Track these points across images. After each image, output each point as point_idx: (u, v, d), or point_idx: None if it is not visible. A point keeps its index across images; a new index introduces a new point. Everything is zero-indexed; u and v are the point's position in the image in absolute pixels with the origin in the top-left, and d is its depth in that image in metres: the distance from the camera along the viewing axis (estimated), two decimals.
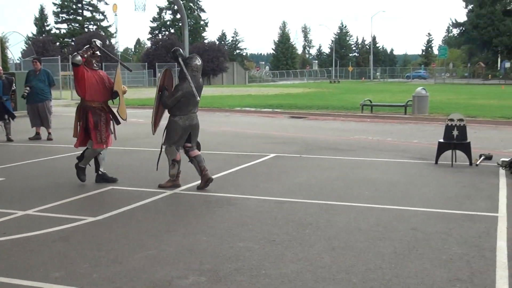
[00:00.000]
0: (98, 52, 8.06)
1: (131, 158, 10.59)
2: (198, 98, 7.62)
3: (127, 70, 9.38)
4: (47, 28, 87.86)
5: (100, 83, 7.97)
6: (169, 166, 7.77)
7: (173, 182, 7.75)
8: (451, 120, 9.73)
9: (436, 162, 9.66)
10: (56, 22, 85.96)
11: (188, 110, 7.61)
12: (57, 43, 77.22)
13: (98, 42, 8.22)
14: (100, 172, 8.23)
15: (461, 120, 9.67)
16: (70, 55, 7.98)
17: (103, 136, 7.98)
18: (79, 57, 7.72)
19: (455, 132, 9.58)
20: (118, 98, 8.23)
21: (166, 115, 7.94)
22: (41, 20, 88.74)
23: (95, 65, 8.01)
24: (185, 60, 7.57)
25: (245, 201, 6.99)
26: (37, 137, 13.69)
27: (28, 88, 13.49)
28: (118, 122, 8.35)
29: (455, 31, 69.94)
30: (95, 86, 7.88)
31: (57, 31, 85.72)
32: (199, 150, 7.90)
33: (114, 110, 8.25)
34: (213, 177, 7.78)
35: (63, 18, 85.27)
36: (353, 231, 5.63)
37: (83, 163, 8.14)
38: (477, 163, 9.56)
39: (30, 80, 13.63)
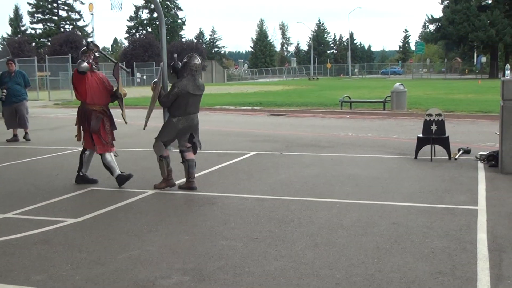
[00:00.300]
0: (97, 54, 7.88)
1: None
2: (199, 92, 7.42)
3: (125, 71, 9.23)
4: (23, 28, 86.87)
5: (101, 86, 7.80)
6: (159, 165, 7.63)
7: (166, 182, 7.59)
8: (430, 115, 9.81)
9: (416, 157, 9.74)
10: (31, 22, 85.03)
11: (187, 111, 7.38)
12: (33, 44, 76.33)
13: (95, 43, 8.03)
14: (81, 174, 8.11)
15: (439, 115, 9.75)
16: (78, 60, 7.68)
17: (108, 139, 7.85)
18: (85, 64, 7.53)
19: (433, 127, 9.66)
20: (118, 101, 8.11)
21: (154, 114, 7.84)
22: (16, 20, 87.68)
23: (94, 66, 7.80)
24: (184, 59, 7.37)
25: (226, 199, 6.98)
26: (14, 139, 13.54)
27: (5, 90, 13.39)
28: (115, 128, 8.16)
29: (432, 27, 70.25)
30: (96, 89, 7.72)
31: (33, 31, 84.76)
32: (198, 149, 7.76)
33: (118, 114, 8.18)
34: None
35: (39, 18, 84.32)
36: (335, 227, 5.65)
37: (114, 172, 7.88)
38: (456, 157, 9.65)
39: (5, 82, 13.50)
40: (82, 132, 7.91)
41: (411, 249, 4.94)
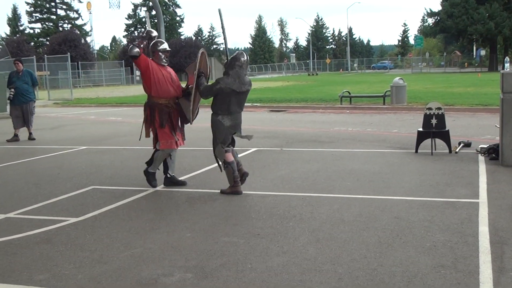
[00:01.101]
0: (168, 47, 7.56)
1: (112, 157, 10.51)
2: (244, 89, 7.02)
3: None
4: (21, 28, 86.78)
5: (167, 79, 7.41)
6: (223, 170, 7.22)
7: (231, 189, 7.11)
8: (430, 109, 9.81)
9: (416, 151, 9.74)
10: (29, 22, 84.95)
11: (231, 109, 7.02)
12: (32, 43, 76.36)
13: (155, 33, 7.71)
14: (168, 175, 7.73)
15: (439, 108, 9.75)
16: (129, 46, 7.39)
17: (172, 135, 7.49)
18: (136, 49, 7.19)
19: (433, 121, 9.66)
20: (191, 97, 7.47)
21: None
22: (14, 20, 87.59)
23: (164, 60, 7.47)
24: (232, 56, 7.05)
25: (228, 196, 6.98)
26: (15, 138, 13.55)
27: (13, 90, 13.50)
28: (187, 121, 7.74)
29: (430, 21, 70.19)
30: (162, 81, 7.35)
31: (31, 31, 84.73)
32: (233, 146, 7.33)
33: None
34: (197, 173, 7.75)
35: (37, 18, 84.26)
36: (336, 222, 5.65)
37: (153, 168, 7.66)
38: (457, 150, 9.65)
39: (14, 82, 13.59)
40: (151, 129, 7.56)
41: (413, 243, 4.94)
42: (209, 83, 7.23)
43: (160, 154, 7.56)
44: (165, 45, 7.56)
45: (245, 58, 7.03)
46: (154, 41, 7.59)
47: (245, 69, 7.05)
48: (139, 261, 4.70)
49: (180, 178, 7.84)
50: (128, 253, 4.92)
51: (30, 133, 13.67)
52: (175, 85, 7.50)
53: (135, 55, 7.18)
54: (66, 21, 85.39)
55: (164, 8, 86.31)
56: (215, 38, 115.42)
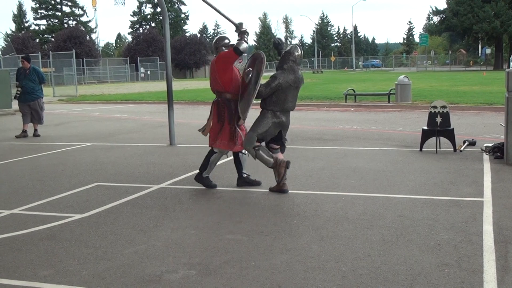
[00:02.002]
0: (230, 41, 7.21)
1: (116, 153, 10.53)
2: (299, 85, 6.79)
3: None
4: (26, 24, 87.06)
5: (239, 74, 7.12)
6: (257, 159, 6.89)
7: (278, 187, 6.88)
8: (434, 107, 9.79)
9: (421, 150, 9.73)
10: (35, 18, 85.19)
11: (285, 106, 6.78)
12: (37, 40, 76.52)
13: (245, 25, 7.25)
14: (244, 175, 7.38)
15: (444, 107, 9.73)
16: (239, 41, 6.96)
17: (237, 133, 7.07)
18: (245, 45, 6.89)
19: (438, 119, 9.65)
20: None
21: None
22: (19, 16, 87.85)
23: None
24: (286, 50, 6.76)
25: (232, 193, 6.99)
26: (23, 134, 13.60)
27: (19, 89, 13.57)
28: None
29: (436, 19, 69.91)
30: (237, 76, 7.05)
31: (36, 28, 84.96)
32: (284, 149, 7.12)
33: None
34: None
35: (42, 14, 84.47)
36: (340, 220, 5.65)
37: (207, 172, 7.30)
38: (461, 149, 9.63)
39: (21, 80, 13.65)
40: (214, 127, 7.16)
41: (417, 241, 4.93)
42: (264, 81, 6.81)
43: (216, 156, 7.24)
44: (228, 40, 7.22)
45: (299, 52, 6.79)
46: (218, 36, 7.36)
47: (299, 64, 6.84)
48: (143, 257, 4.71)
49: (186, 175, 7.84)
50: (132, 249, 4.93)
51: (35, 130, 13.72)
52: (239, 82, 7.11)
53: (244, 51, 6.87)
54: (71, 18, 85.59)
55: (169, 5, 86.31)
56: (219, 35, 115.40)
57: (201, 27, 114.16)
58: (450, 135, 9.61)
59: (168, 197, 6.91)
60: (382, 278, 4.13)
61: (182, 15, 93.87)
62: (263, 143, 7.00)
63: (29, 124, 13.81)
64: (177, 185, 7.59)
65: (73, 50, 37.93)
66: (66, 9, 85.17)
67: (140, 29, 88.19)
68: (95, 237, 5.35)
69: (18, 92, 13.63)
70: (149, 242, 5.13)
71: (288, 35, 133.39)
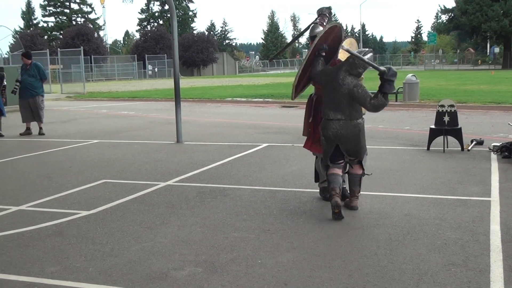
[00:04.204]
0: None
1: (124, 150, 10.55)
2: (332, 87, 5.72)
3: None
4: (35, 21, 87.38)
5: None
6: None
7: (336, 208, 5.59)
8: (442, 106, 9.76)
9: (428, 148, 9.70)
10: (43, 16, 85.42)
11: (324, 112, 5.80)
12: (45, 37, 76.74)
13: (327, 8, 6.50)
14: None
15: (452, 106, 9.70)
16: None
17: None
18: (320, 28, 6.17)
19: (446, 118, 9.61)
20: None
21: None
22: (28, 13, 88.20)
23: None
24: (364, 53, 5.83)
25: (238, 191, 6.99)
26: (27, 132, 13.61)
27: (18, 83, 13.46)
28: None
29: (444, 17, 69.82)
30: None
31: (45, 25, 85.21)
32: (360, 170, 5.98)
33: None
34: (208, 167, 7.73)
35: (50, 11, 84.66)
36: (347, 219, 5.64)
37: (322, 182, 6.39)
38: (469, 148, 9.60)
39: (21, 75, 13.60)
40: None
41: (424, 240, 4.92)
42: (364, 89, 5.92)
43: (317, 161, 6.50)
44: (320, 28, 6.26)
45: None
46: (311, 25, 6.46)
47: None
48: (150, 254, 4.72)
49: (193, 172, 7.84)
50: (139, 246, 4.94)
51: (40, 128, 13.65)
52: None
53: (314, 35, 6.10)
54: (80, 15, 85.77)
55: (177, 2, 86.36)
56: (227, 33, 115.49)
57: (209, 24, 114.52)
58: (457, 134, 9.57)
59: (175, 195, 6.92)
60: (388, 277, 4.13)
61: (190, 13, 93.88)
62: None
63: (33, 122, 13.76)
64: (184, 182, 7.60)
65: (81, 47, 38.05)
66: (75, 6, 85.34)
67: (148, 26, 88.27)
68: (102, 233, 5.36)
69: (16, 87, 13.41)
70: (156, 239, 5.14)
71: (295, 33, 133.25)
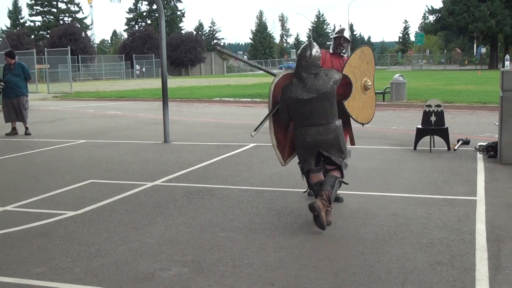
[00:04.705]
0: (341, 33, 6.42)
1: (111, 150, 10.51)
2: (307, 97, 5.37)
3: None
4: (21, 21, 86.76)
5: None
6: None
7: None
8: (429, 106, 9.81)
9: (415, 148, 9.75)
10: (30, 15, 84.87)
11: (300, 121, 5.51)
12: (32, 36, 76.21)
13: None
14: None
15: (438, 106, 9.75)
16: None
17: None
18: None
19: (433, 118, 9.67)
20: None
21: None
22: (15, 13, 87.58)
23: (337, 49, 6.48)
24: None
25: (226, 191, 6.98)
26: (13, 132, 13.50)
27: (2, 83, 13.35)
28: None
29: (431, 18, 70.04)
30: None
31: (32, 24, 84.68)
32: (338, 173, 5.63)
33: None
34: (195, 167, 7.73)
35: (38, 11, 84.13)
36: (334, 218, 5.64)
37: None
38: (455, 148, 9.66)
39: (5, 74, 13.46)
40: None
41: (410, 239, 4.94)
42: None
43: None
44: (338, 31, 6.54)
45: (309, 52, 5.45)
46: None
47: (313, 67, 5.44)
48: (136, 255, 4.71)
49: (180, 172, 7.83)
50: (126, 247, 4.93)
51: (26, 128, 13.55)
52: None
53: None
54: (67, 15, 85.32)
55: (165, 2, 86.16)
56: (215, 33, 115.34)
57: (197, 24, 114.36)
58: (444, 134, 9.63)
59: (162, 195, 6.90)
60: (375, 276, 4.14)
61: (178, 13, 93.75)
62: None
63: (18, 122, 13.64)
64: (171, 182, 7.59)
65: (68, 46, 37.87)
66: (62, 5, 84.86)
67: (136, 26, 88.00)
68: (89, 234, 5.34)
69: (1, 87, 13.34)
70: (143, 239, 5.13)
71: (284, 33, 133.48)
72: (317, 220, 5.15)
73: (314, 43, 5.54)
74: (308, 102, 5.37)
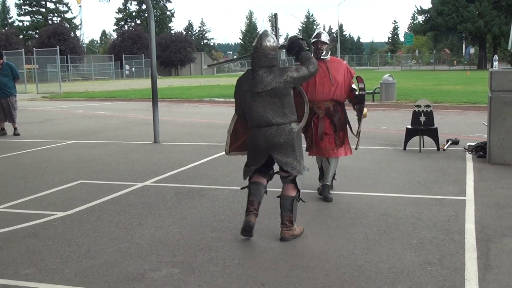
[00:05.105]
0: (317, 37, 6.30)
1: (100, 151, 10.46)
2: (257, 90, 4.86)
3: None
4: (10, 20, 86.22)
5: (320, 77, 6.22)
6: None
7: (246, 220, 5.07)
8: (418, 106, 9.85)
9: (405, 148, 9.78)
10: (18, 15, 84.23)
11: (251, 120, 4.99)
12: (21, 36, 75.71)
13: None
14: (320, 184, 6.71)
15: (428, 106, 9.79)
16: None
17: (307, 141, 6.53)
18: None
19: (422, 118, 9.71)
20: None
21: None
22: (3, 12, 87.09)
23: (321, 50, 6.31)
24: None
25: (216, 191, 6.98)
26: (2, 132, 13.42)
27: None
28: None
29: (420, 18, 70.31)
30: (312, 81, 6.13)
31: (20, 24, 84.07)
32: (293, 191, 5.05)
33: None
34: (185, 168, 7.70)
35: (26, 10, 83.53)
36: (324, 218, 5.67)
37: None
38: (445, 148, 9.70)
39: None
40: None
41: (400, 239, 4.96)
42: None
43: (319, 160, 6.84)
44: (314, 36, 6.43)
45: (260, 42, 4.93)
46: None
47: (264, 58, 4.90)
48: (126, 256, 4.69)
49: (170, 173, 7.80)
50: (116, 248, 4.91)
51: (15, 129, 13.45)
52: (334, 85, 6.37)
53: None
54: (56, 15, 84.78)
55: (155, 2, 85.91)
56: (205, 33, 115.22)
57: (187, 24, 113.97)
58: (433, 134, 9.67)
59: (152, 195, 6.88)
60: (365, 276, 4.15)
61: (168, 13, 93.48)
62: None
63: (6, 122, 13.54)
64: (161, 183, 7.57)
65: (57, 46, 37.64)
66: (51, 5, 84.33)
67: (125, 26, 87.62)
68: (78, 235, 5.31)
69: None
70: (133, 240, 5.11)
71: (274, 33, 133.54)
72: (244, 233, 5.00)
73: (269, 33, 5.00)
74: (256, 97, 4.87)
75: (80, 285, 4.09)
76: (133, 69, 66.91)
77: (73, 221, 5.80)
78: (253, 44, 4.97)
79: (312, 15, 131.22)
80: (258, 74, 4.86)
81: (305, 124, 5.76)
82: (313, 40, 6.41)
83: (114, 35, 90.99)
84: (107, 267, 4.43)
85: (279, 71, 4.88)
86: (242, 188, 5.43)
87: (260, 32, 5.06)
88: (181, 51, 73.92)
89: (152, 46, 11.63)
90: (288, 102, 4.89)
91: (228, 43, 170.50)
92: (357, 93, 6.64)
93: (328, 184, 6.53)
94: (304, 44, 5.18)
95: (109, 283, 4.12)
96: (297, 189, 5.03)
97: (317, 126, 6.41)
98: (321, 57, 6.34)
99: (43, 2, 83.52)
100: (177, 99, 24.86)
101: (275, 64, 4.90)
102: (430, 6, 65.26)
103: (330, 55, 6.49)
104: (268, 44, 4.89)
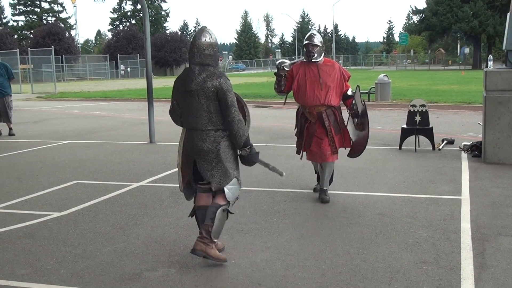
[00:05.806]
0: (308, 40, 6.31)
1: (95, 151, 10.44)
2: (188, 89, 4.49)
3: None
4: (4, 20, 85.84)
5: (311, 81, 6.25)
6: None
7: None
8: (414, 106, 9.87)
9: (400, 148, 9.80)
10: (13, 14, 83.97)
11: (186, 122, 4.64)
12: (15, 36, 75.49)
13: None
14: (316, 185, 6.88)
15: (423, 105, 9.81)
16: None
17: (299, 144, 6.59)
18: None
19: (417, 118, 9.73)
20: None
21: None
22: None
23: (312, 53, 6.29)
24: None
25: None
26: None
27: None
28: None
29: (415, 18, 70.45)
30: (303, 85, 6.27)
31: (15, 24, 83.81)
32: (221, 200, 4.53)
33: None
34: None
35: (21, 10, 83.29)
36: (320, 218, 5.67)
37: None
38: (440, 147, 9.72)
39: None
40: None
41: (396, 239, 4.97)
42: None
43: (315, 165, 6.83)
44: (305, 38, 6.45)
45: (196, 39, 4.56)
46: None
47: (198, 54, 4.52)
48: (122, 256, 4.68)
49: (165, 173, 7.79)
50: (112, 248, 4.90)
51: (10, 129, 13.42)
52: (325, 89, 6.24)
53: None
54: (50, 14, 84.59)
55: (150, 2, 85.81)
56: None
57: (182, 24, 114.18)
58: (429, 133, 9.69)
59: (148, 195, 6.87)
60: (361, 275, 4.16)
61: (163, 12, 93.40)
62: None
63: (1, 122, 13.49)
64: (157, 183, 7.56)
65: (52, 46, 37.52)
66: (45, 5, 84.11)
67: (120, 26, 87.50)
68: (74, 235, 5.30)
69: None
70: (129, 240, 5.11)
71: (269, 33, 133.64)
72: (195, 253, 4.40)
73: (207, 29, 4.59)
74: (187, 96, 4.50)
75: (76, 285, 4.09)
76: (128, 69, 66.79)
77: (69, 221, 5.79)
78: (197, 40, 4.51)
79: (307, 15, 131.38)
80: (192, 71, 4.50)
81: (299, 129, 6.24)
82: (305, 42, 6.37)
83: (109, 35, 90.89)
84: (103, 267, 4.42)
85: (213, 74, 4.45)
86: (189, 216, 4.84)
87: (203, 29, 4.61)
88: (176, 51, 73.89)
89: (147, 46, 11.61)
90: (215, 107, 4.41)
91: (224, 43, 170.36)
92: (353, 101, 6.55)
93: (325, 188, 6.47)
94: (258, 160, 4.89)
95: (105, 283, 4.11)
96: (227, 200, 4.52)
97: (308, 132, 6.36)
98: (313, 60, 6.28)
99: (38, 2, 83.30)
100: (170, 99, 24.81)
101: (210, 63, 4.51)
102: (425, 6, 65.41)
103: (324, 56, 6.45)
104: (204, 40, 4.49)
